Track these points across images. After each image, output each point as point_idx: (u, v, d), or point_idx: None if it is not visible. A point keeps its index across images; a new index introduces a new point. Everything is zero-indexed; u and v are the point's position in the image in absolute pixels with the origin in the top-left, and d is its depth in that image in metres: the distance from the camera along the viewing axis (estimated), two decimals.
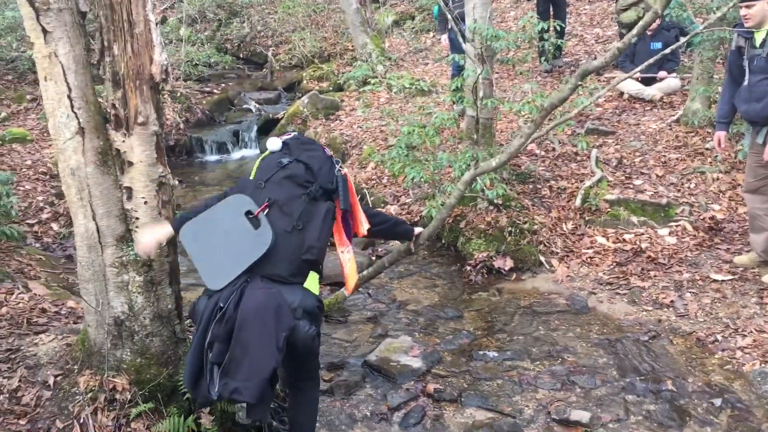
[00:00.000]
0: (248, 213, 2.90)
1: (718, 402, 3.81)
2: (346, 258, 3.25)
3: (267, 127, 9.99)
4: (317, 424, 3.48)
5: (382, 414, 3.87)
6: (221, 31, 14.98)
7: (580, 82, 4.44)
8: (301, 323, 2.85)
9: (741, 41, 4.61)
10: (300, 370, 3.22)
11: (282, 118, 9.84)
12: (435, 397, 3.99)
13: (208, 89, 11.68)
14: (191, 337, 3.57)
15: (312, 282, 2.98)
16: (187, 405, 3.34)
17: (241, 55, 14.52)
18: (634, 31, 4.05)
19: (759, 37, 4.45)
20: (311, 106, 9.64)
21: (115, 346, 3.26)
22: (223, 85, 12.24)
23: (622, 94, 8.53)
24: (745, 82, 4.62)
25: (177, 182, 3.33)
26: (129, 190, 3.10)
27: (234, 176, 8.65)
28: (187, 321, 4.14)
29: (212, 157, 9.55)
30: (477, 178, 5.65)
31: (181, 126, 9.56)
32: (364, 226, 3.26)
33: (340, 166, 3.19)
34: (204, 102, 10.76)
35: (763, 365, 4.01)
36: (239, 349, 2.73)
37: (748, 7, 4.37)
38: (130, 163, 3.06)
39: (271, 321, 2.76)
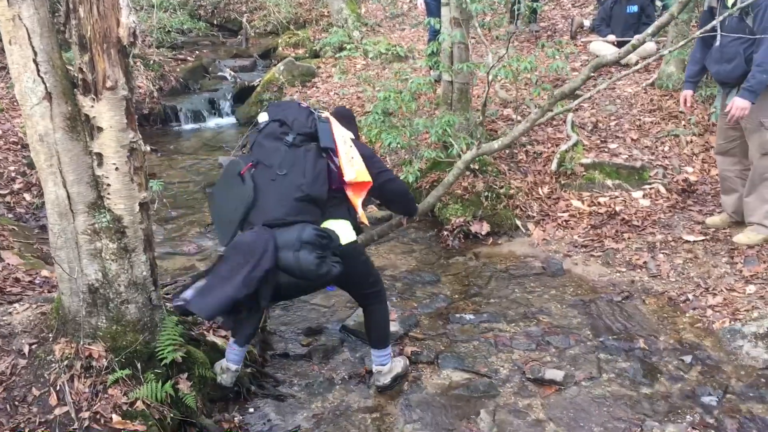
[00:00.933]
0: (239, 175, 3.33)
1: (688, 359, 3.89)
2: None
3: (243, 95, 9.87)
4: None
5: (360, 377, 3.91)
6: None
7: (591, 74, 4.46)
8: (301, 253, 3.13)
9: (713, 1, 4.62)
10: (352, 292, 3.77)
11: (258, 85, 9.72)
12: (412, 359, 4.03)
13: (182, 57, 11.47)
14: (167, 304, 3.59)
15: (329, 222, 3.36)
16: (164, 371, 3.35)
17: (215, 22, 14.25)
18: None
19: None
20: (287, 73, 9.54)
21: (90, 314, 3.25)
22: (197, 52, 12.02)
23: (597, 57, 8.52)
24: (716, 43, 4.64)
25: (149, 149, 3.28)
26: (99, 156, 3.05)
27: (210, 144, 8.56)
28: (164, 288, 4.15)
29: (188, 126, 9.42)
30: (452, 141, 5.68)
31: (155, 94, 9.39)
32: (348, 172, 3.40)
33: (319, 113, 3.49)
34: (178, 70, 10.56)
35: (732, 323, 4.10)
36: (213, 277, 3.23)
37: None
38: (100, 129, 3.01)
39: (247, 258, 3.11)
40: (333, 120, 3.52)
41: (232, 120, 9.64)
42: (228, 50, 12.40)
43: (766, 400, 3.53)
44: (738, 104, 4.45)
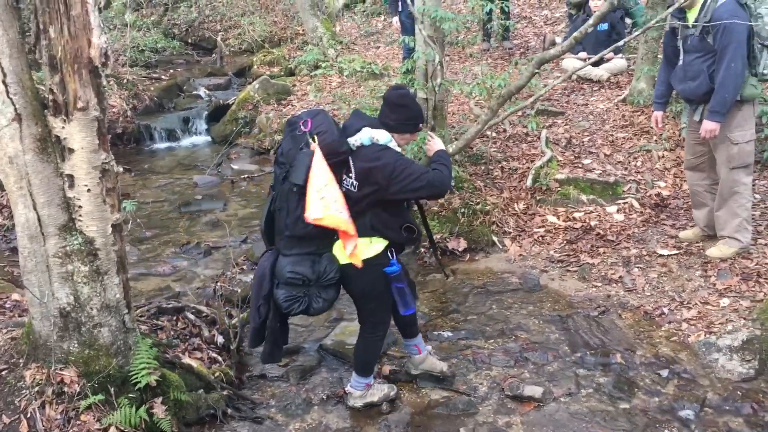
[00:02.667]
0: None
1: (665, 373, 3.92)
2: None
3: (217, 114, 9.82)
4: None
5: (339, 397, 3.87)
6: (168, 16, 14.70)
7: (536, 71, 4.50)
8: (278, 291, 3.40)
9: (675, 22, 4.70)
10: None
11: (233, 104, 9.69)
12: (391, 378, 4.01)
13: (156, 75, 11.42)
14: (141, 326, 3.55)
15: (337, 243, 3.42)
16: (139, 395, 3.29)
17: (190, 41, 14.25)
18: (591, 20, 4.12)
19: (691, 17, 4.53)
20: (262, 92, 9.52)
21: (62, 338, 3.19)
22: (171, 71, 11.98)
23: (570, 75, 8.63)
24: (680, 62, 4.71)
25: (122, 169, 3.24)
26: (71, 177, 3.01)
27: (185, 163, 8.51)
28: (138, 310, 4.09)
29: (162, 145, 9.36)
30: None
31: (129, 113, 9.31)
32: (311, 211, 3.20)
33: (307, 143, 3.29)
34: (152, 88, 10.50)
35: (707, 336, 4.14)
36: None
37: None
38: (71, 150, 2.97)
39: (257, 287, 3.49)
40: (317, 152, 3.26)
41: (207, 138, 9.59)
42: (203, 69, 12.38)
43: (743, 414, 3.56)
44: (707, 127, 4.53)
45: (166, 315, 4.28)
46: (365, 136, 3.34)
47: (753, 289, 4.48)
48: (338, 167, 3.33)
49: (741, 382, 3.79)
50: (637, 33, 4.46)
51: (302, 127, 3.34)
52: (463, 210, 5.78)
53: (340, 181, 3.35)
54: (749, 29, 4.36)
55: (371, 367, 3.75)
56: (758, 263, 4.72)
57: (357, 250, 3.35)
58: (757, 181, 5.75)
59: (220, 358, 4.04)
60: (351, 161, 3.36)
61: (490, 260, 5.53)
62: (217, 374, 3.83)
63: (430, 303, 4.92)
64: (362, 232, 3.37)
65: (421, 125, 3.53)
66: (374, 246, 3.43)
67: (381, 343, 3.73)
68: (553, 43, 9.45)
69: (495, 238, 5.73)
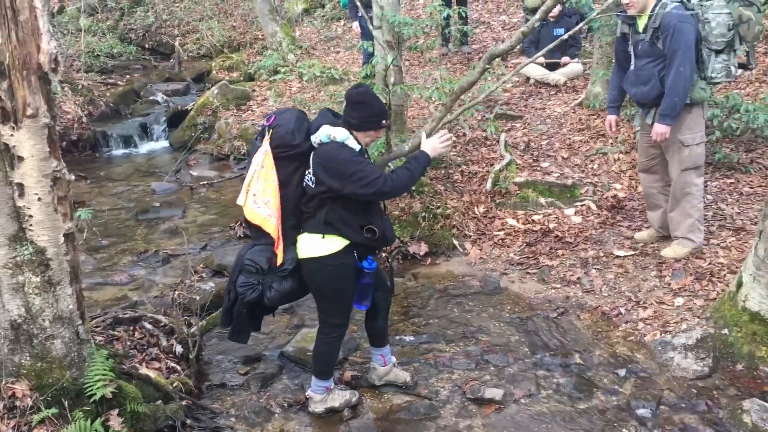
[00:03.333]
0: None
1: (622, 372, 3.98)
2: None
3: (176, 119, 9.70)
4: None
5: (300, 404, 3.85)
6: (124, 21, 14.47)
7: (487, 66, 4.53)
8: (239, 277, 3.51)
9: (625, 28, 4.79)
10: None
11: (191, 109, 9.58)
12: (353, 384, 3.99)
13: (112, 81, 11.22)
14: (97, 337, 3.48)
15: (301, 236, 3.49)
16: (94, 408, 3.21)
17: (147, 46, 14.05)
18: (537, 15, 4.16)
19: (641, 23, 4.62)
20: (221, 97, 9.43)
21: (13, 351, 3.10)
22: (128, 76, 11.79)
23: (528, 79, 8.77)
24: (632, 67, 4.81)
25: (73, 177, 3.17)
26: (20, 186, 2.93)
27: (142, 170, 8.38)
28: (93, 321, 4.01)
29: (119, 151, 9.20)
30: (389, 163, 5.70)
31: (84, 119, 9.14)
32: (240, 197, 3.50)
33: (262, 137, 3.48)
34: (108, 94, 10.32)
35: (663, 335, 4.22)
36: None
37: None
38: (21, 158, 2.89)
39: (231, 272, 3.66)
40: (264, 146, 3.43)
41: (165, 144, 9.46)
42: (160, 74, 12.21)
43: (698, 410, 3.63)
44: (658, 130, 4.63)
45: (122, 325, 4.20)
46: (323, 133, 3.38)
47: (706, 288, 4.58)
48: (295, 160, 3.41)
49: (696, 380, 3.87)
50: (578, 26, 4.51)
51: (265, 122, 3.49)
52: (423, 214, 5.80)
53: (302, 176, 3.44)
54: (697, 34, 4.47)
55: (330, 370, 3.74)
56: (711, 263, 4.83)
57: (279, 248, 3.46)
58: (709, 182, 5.88)
59: (178, 368, 3.98)
60: (312, 157, 3.42)
61: (451, 264, 5.56)
62: (175, 384, 3.76)
63: (392, 308, 4.85)
64: (315, 227, 3.43)
65: (384, 122, 3.52)
66: (328, 243, 3.42)
67: (338, 344, 3.72)
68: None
69: (456, 242, 5.77)
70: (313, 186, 3.40)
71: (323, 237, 3.41)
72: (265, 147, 3.41)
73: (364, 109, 3.44)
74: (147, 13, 14.40)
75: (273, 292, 3.48)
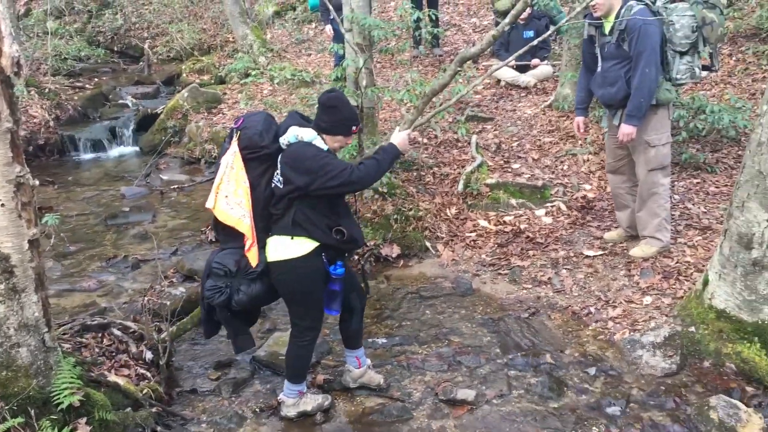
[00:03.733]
0: None
1: (592, 371, 4.02)
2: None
3: (146, 123, 9.59)
4: None
5: (272, 408, 3.82)
6: (92, 23, 14.29)
7: (459, 68, 4.56)
8: (207, 281, 3.51)
9: (592, 30, 4.85)
10: None
11: (161, 113, 9.49)
12: (325, 387, 3.98)
13: (80, 84, 11.08)
14: (64, 345, 3.43)
15: (270, 239, 3.47)
16: (61, 417, 3.16)
17: (116, 48, 13.89)
18: (507, 19, 4.21)
19: (608, 26, 4.69)
20: (192, 100, 9.36)
21: None
22: (96, 79, 11.64)
23: (499, 81, 8.82)
24: (599, 69, 4.87)
25: (37, 183, 3.12)
26: None
27: (112, 174, 8.28)
28: (60, 328, 3.95)
29: (87, 156, 9.07)
30: None
31: (51, 124, 9.01)
32: (209, 200, 3.48)
33: (230, 139, 3.49)
34: (76, 98, 10.18)
35: (632, 333, 4.27)
36: None
37: None
38: None
39: (202, 279, 3.63)
40: (232, 147, 3.44)
41: (134, 148, 9.36)
42: (129, 77, 12.07)
43: (666, 408, 3.68)
44: (624, 131, 4.69)
45: (90, 332, 4.13)
46: (291, 134, 3.39)
47: (674, 286, 4.65)
48: (260, 161, 3.43)
49: (664, 377, 3.92)
50: (549, 32, 4.57)
51: (234, 125, 3.50)
52: (395, 216, 5.80)
53: (270, 177, 3.44)
54: (662, 36, 4.54)
55: (303, 373, 3.73)
56: (678, 261, 4.91)
57: (254, 249, 3.43)
58: (676, 182, 5.98)
59: (148, 375, 3.93)
60: (280, 158, 3.42)
61: (424, 265, 5.57)
62: (145, 391, 3.72)
63: (365, 311, 4.89)
64: (283, 229, 3.42)
65: (354, 128, 3.52)
66: (296, 245, 3.41)
67: (310, 348, 3.70)
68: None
69: (428, 244, 5.78)
70: (281, 187, 3.39)
71: (292, 239, 3.40)
72: (234, 148, 3.42)
73: (336, 113, 3.44)
74: (115, 15, 14.23)
75: (241, 294, 3.46)
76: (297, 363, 3.69)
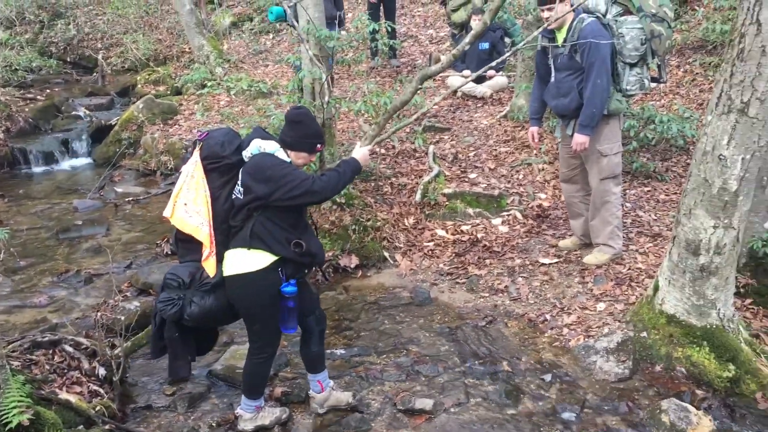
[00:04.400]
0: None
1: (548, 377, 4.08)
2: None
3: (100, 135, 9.43)
4: None
5: (229, 422, 3.78)
6: (44, 34, 13.99)
7: (420, 86, 4.60)
8: (160, 294, 3.49)
9: (545, 42, 4.96)
10: None
11: (116, 124, 9.34)
12: (283, 400, 3.95)
13: (31, 96, 10.82)
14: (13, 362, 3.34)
15: (227, 252, 3.42)
16: None
17: (69, 59, 13.62)
18: (467, 39, 4.26)
19: (560, 37, 4.79)
20: (147, 111, 9.24)
21: None
22: (48, 90, 11.39)
23: (455, 92, 8.91)
24: (552, 79, 4.97)
25: None
26: None
27: (64, 187, 8.12)
28: (10, 345, 3.85)
29: (38, 168, 8.87)
30: None
31: (1, 136, 8.81)
32: (167, 209, 3.47)
33: (192, 150, 3.51)
34: (27, 110, 9.93)
35: (586, 339, 4.35)
36: None
37: (548, 9, 4.69)
38: None
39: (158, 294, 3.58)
40: (193, 157, 3.45)
41: (88, 161, 9.20)
42: (83, 88, 11.85)
43: (620, 412, 3.75)
44: (578, 140, 4.79)
45: (41, 349, 4.03)
46: (254, 146, 3.38)
47: (626, 292, 4.75)
48: (221, 172, 3.42)
49: (617, 382, 4.00)
50: (509, 53, 4.66)
51: (198, 137, 3.51)
52: (354, 227, 5.81)
53: (231, 189, 3.42)
54: (612, 48, 4.66)
55: (260, 389, 3.69)
56: (630, 268, 5.01)
57: (212, 258, 3.39)
58: (627, 191, 6.12)
59: (101, 391, 3.85)
60: (241, 170, 3.40)
61: (382, 276, 5.59)
62: (98, 408, 3.64)
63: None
64: (241, 241, 3.37)
65: (319, 146, 3.51)
66: (253, 258, 3.35)
67: (268, 364, 3.66)
68: (439, 61, 9.74)
69: (386, 254, 5.80)
70: (241, 197, 3.35)
71: (248, 250, 3.34)
72: (195, 157, 3.42)
73: (301, 130, 3.43)
74: (68, 25, 13.96)
75: (194, 307, 3.42)
76: (254, 379, 3.65)
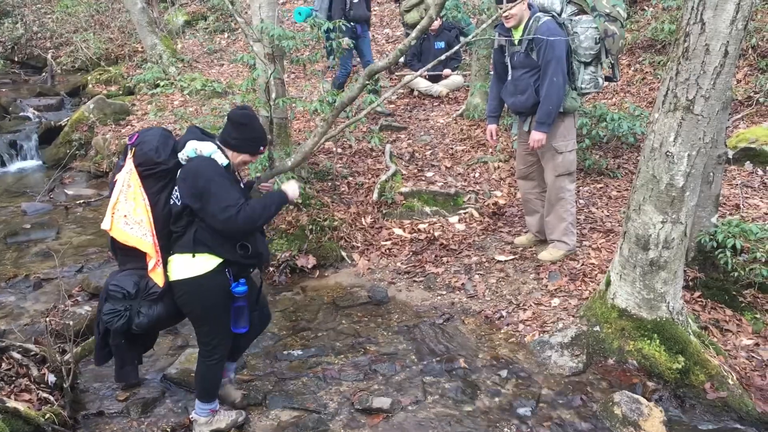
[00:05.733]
0: None
1: (504, 373, 4.12)
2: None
3: (49, 136, 9.21)
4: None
5: (184, 427, 3.72)
6: None
7: (367, 82, 4.59)
8: (104, 305, 3.33)
9: (502, 40, 5.01)
10: None
11: (66, 125, 9.13)
12: (238, 403, 3.90)
13: None
14: None
15: (171, 258, 3.34)
16: None
17: (16, 59, 13.31)
18: (414, 33, 4.25)
19: (517, 35, 4.85)
20: (98, 112, 9.06)
21: None
22: None
23: (412, 91, 8.95)
24: (509, 77, 5.02)
25: None
26: None
27: (12, 190, 7.90)
28: None
29: None
30: (275, 178, 5.64)
31: None
32: (105, 221, 3.32)
33: (125, 156, 3.35)
34: None
35: (541, 335, 4.40)
36: None
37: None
38: None
39: (99, 303, 3.41)
40: (127, 165, 3.30)
41: (37, 162, 8.98)
42: (31, 88, 11.58)
43: (574, 405, 3.80)
44: (534, 137, 4.85)
45: None
46: (190, 148, 3.27)
47: (580, 288, 4.82)
48: (157, 178, 3.29)
49: (572, 376, 4.06)
50: (459, 45, 4.67)
51: (128, 141, 3.35)
52: (311, 227, 5.78)
53: (168, 194, 3.32)
54: (568, 46, 4.73)
55: (213, 392, 3.64)
56: (584, 264, 5.09)
57: (159, 268, 3.29)
58: (580, 188, 6.21)
59: (51, 398, 3.75)
60: (178, 174, 3.31)
61: (340, 275, 5.57)
62: (48, 416, 3.54)
63: (280, 322, 4.86)
64: (185, 246, 3.29)
65: (262, 148, 3.46)
66: (199, 263, 3.29)
67: (219, 366, 3.60)
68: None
69: (344, 253, 5.78)
70: (179, 204, 3.27)
71: (193, 256, 3.28)
72: (129, 166, 3.27)
73: (246, 132, 3.38)
74: (16, 24, 13.62)
75: (142, 317, 3.30)
76: (207, 383, 3.60)
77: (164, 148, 3.29)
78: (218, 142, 3.38)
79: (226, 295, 3.38)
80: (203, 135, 3.38)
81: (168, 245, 3.34)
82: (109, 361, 3.60)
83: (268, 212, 3.36)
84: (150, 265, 3.29)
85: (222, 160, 3.31)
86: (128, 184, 3.25)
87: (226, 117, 3.44)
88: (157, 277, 3.30)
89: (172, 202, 3.31)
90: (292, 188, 3.58)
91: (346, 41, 7.95)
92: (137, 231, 3.25)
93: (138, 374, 3.70)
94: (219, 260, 3.32)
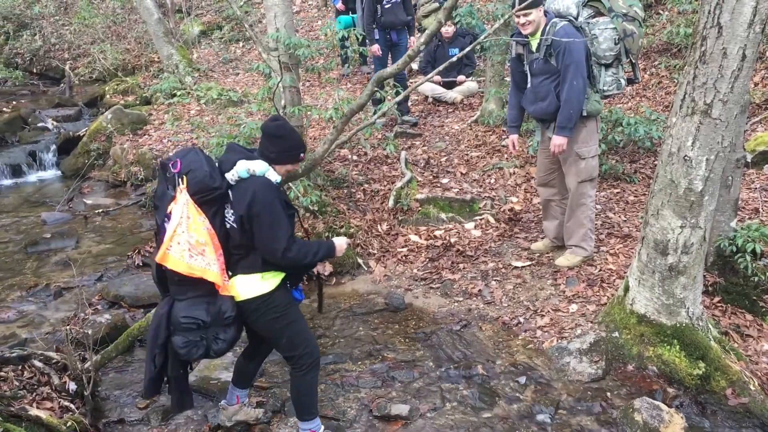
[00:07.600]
0: None
1: (522, 380, 4.10)
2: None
3: (68, 146, 9.33)
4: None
5: None
6: (10, 45, 13.83)
7: (376, 89, 4.62)
8: (175, 338, 3.23)
9: (519, 48, 4.99)
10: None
11: (84, 135, 9.23)
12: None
13: None
14: None
15: (235, 279, 3.30)
16: None
17: (35, 70, 13.49)
18: (423, 38, 4.28)
19: (534, 43, 4.84)
20: (116, 122, 9.15)
21: None
22: (14, 102, 11.24)
23: (426, 98, 8.97)
24: (529, 85, 5.01)
25: None
26: None
27: (32, 200, 8.00)
28: None
29: (5, 182, 8.73)
30: (290, 185, 5.68)
31: None
32: (159, 252, 3.15)
33: (174, 185, 3.21)
34: None
35: (559, 341, 4.38)
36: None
37: (525, 15, 4.73)
38: None
39: (152, 336, 3.31)
40: (182, 196, 3.16)
41: (56, 173, 9.08)
42: (50, 99, 11.71)
43: (594, 412, 3.78)
44: (556, 142, 4.83)
45: (10, 364, 3.96)
46: (242, 168, 3.20)
47: (598, 293, 4.80)
48: (215, 203, 3.23)
49: (591, 383, 4.03)
50: (469, 47, 4.67)
51: (172, 169, 3.21)
52: (327, 234, 5.79)
53: (222, 217, 3.26)
54: (586, 49, 4.71)
55: (311, 409, 3.54)
56: (601, 269, 5.07)
57: (231, 288, 3.28)
58: (598, 193, 6.18)
59: (72, 406, 3.79)
60: (231, 196, 3.24)
61: (356, 282, 5.58)
62: (69, 424, 3.58)
63: None
64: (252, 268, 3.27)
65: (302, 155, 3.43)
66: (268, 281, 3.30)
67: (312, 376, 3.49)
68: (410, 68, 9.77)
69: (360, 260, 5.79)
70: (237, 227, 3.20)
71: (263, 277, 3.28)
72: (185, 197, 3.15)
73: (283, 143, 3.33)
74: (34, 36, 13.82)
75: (221, 343, 3.27)
76: (303, 399, 3.51)
77: (215, 172, 3.22)
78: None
79: (294, 303, 3.42)
80: (247, 152, 3.31)
81: (229, 264, 3.31)
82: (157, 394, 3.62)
83: (312, 259, 3.36)
84: (219, 290, 3.25)
85: (275, 177, 3.25)
86: (187, 215, 3.14)
87: (261, 131, 3.38)
88: (229, 301, 3.29)
89: (228, 225, 3.26)
90: (340, 243, 3.55)
91: (374, 48, 8.00)
92: (200, 262, 3.16)
93: (193, 402, 3.63)
94: (282, 275, 3.35)
